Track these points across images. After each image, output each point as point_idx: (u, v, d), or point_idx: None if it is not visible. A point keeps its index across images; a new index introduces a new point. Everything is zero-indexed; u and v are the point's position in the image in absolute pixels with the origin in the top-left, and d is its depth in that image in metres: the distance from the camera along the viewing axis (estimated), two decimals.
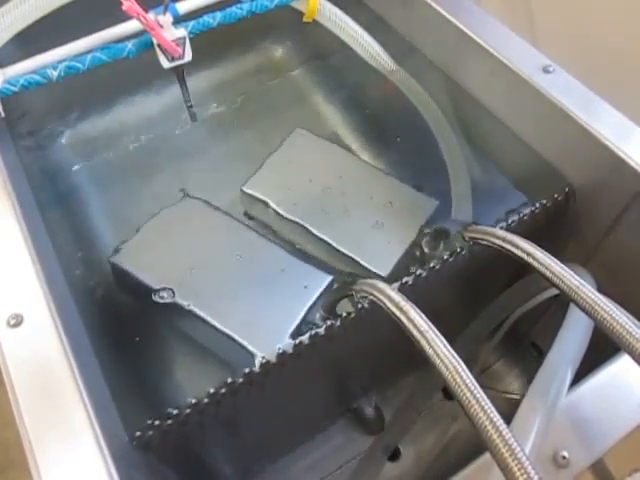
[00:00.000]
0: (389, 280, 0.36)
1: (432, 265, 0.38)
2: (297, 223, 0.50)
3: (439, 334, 0.28)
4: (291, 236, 0.53)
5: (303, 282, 0.46)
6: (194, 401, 0.32)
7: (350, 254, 0.48)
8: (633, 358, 0.27)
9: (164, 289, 0.45)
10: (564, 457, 0.29)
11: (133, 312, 0.50)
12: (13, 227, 0.35)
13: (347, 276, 0.49)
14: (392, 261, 0.48)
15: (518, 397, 0.35)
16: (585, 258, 0.45)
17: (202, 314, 0.44)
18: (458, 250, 0.39)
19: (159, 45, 0.42)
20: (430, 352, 0.27)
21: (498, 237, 0.36)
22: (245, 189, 0.52)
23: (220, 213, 0.51)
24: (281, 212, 0.51)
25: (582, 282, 0.30)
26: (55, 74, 0.42)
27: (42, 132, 0.63)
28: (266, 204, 0.52)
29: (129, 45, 0.43)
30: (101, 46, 0.42)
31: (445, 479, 0.29)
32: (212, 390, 0.33)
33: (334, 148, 0.56)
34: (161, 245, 0.48)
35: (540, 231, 0.42)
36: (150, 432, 0.32)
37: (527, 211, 0.41)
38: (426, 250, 0.50)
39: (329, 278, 0.46)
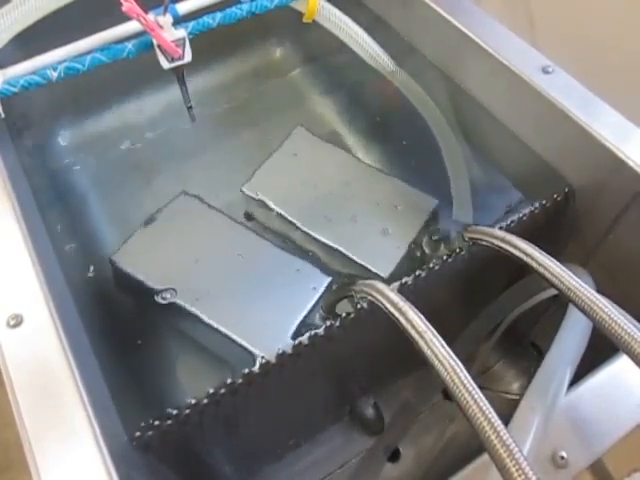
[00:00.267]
0: (390, 281, 0.36)
1: (431, 265, 0.38)
2: (297, 223, 0.50)
3: (437, 335, 0.28)
4: (291, 236, 0.53)
5: (303, 283, 0.46)
6: (194, 401, 0.32)
7: (350, 255, 0.48)
8: (631, 359, 0.27)
9: (166, 290, 0.45)
10: (563, 457, 0.29)
11: (133, 312, 0.50)
12: (13, 227, 0.35)
13: (347, 277, 0.49)
14: (393, 262, 0.48)
15: (518, 397, 0.35)
16: (585, 258, 0.45)
17: (202, 315, 0.44)
18: (457, 250, 0.39)
19: (159, 46, 0.42)
20: (428, 353, 0.27)
21: (497, 237, 0.36)
22: (245, 189, 0.53)
23: (219, 213, 0.51)
24: (281, 212, 0.51)
25: (581, 283, 0.30)
26: (55, 75, 0.42)
27: (42, 132, 0.63)
28: (266, 204, 0.52)
29: (129, 46, 0.43)
30: (101, 47, 0.42)
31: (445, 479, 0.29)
32: (212, 390, 0.33)
33: (334, 148, 0.56)
34: (161, 245, 0.49)
35: (540, 231, 0.42)
36: (150, 432, 0.32)
37: (527, 211, 0.41)
38: (427, 251, 0.50)
39: (329, 279, 0.46)
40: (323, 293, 0.45)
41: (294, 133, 0.56)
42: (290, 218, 0.51)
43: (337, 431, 0.54)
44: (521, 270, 0.44)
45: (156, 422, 0.32)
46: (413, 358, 0.29)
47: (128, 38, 0.43)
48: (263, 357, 0.34)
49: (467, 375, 0.26)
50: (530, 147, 0.46)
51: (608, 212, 0.42)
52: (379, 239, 0.49)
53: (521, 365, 0.58)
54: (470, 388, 0.25)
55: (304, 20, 0.50)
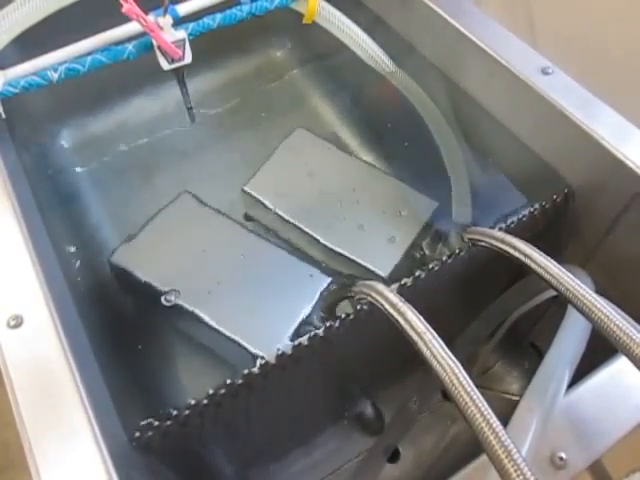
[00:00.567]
0: (389, 282, 0.36)
1: (431, 266, 0.38)
2: (297, 224, 0.50)
3: (436, 336, 0.28)
4: (291, 237, 0.53)
5: (303, 283, 0.46)
6: (193, 402, 0.32)
7: (350, 255, 0.48)
8: (630, 359, 0.27)
9: (170, 291, 0.45)
10: (562, 458, 0.29)
11: (133, 313, 0.50)
12: (13, 227, 0.35)
13: (346, 277, 0.49)
14: (392, 262, 0.48)
15: (517, 398, 0.35)
16: (584, 259, 0.45)
17: (202, 315, 0.44)
18: (457, 251, 0.39)
19: (159, 47, 0.42)
20: (427, 354, 0.27)
21: (496, 238, 0.36)
22: (245, 190, 0.53)
23: (220, 214, 0.51)
24: (281, 213, 0.51)
25: (579, 284, 0.30)
26: (55, 76, 0.42)
27: (43, 133, 0.63)
28: (266, 205, 0.52)
29: (129, 47, 0.43)
30: (101, 48, 0.43)
31: None
32: (211, 391, 0.33)
33: (334, 148, 0.56)
34: (161, 245, 0.49)
35: (539, 232, 0.42)
36: (149, 433, 0.32)
37: (526, 212, 0.41)
38: (427, 252, 0.50)
39: (329, 279, 0.46)
40: (323, 294, 0.45)
41: (294, 133, 0.57)
42: (289, 219, 0.51)
43: (337, 431, 0.54)
44: (521, 271, 0.44)
45: (156, 422, 0.32)
46: (413, 359, 0.29)
47: (128, 39, 0.43)
48: (263, 357, 0.34)
49: (466, 376, 0.26)
50: (530, 148, 0.46)
51: (607, 213, 0.42)
52: (379, 239, 0.49)
53: (521, 366, 0.58)
54: (469, 389, 0.25)
55: (304, 21, 0.50)
